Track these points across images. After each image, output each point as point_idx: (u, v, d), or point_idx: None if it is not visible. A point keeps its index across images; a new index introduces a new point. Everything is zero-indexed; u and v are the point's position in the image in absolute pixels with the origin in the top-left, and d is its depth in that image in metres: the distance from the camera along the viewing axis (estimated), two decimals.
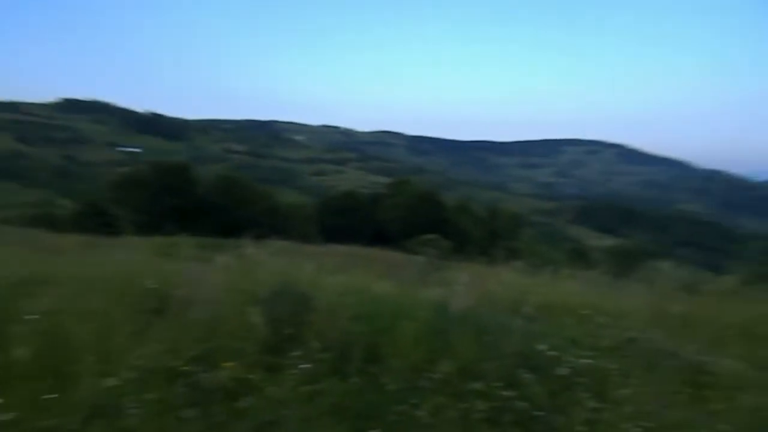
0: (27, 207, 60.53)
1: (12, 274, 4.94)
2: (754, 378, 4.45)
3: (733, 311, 6.50)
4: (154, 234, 15.41)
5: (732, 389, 4.16)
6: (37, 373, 3.04)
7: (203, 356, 3.51)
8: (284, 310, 3.75)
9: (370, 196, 73.06)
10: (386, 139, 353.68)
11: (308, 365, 3.37)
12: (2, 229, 28.55)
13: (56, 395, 2.88)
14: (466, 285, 6.50)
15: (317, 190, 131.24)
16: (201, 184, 57.10)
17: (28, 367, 3.07)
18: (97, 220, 39.04)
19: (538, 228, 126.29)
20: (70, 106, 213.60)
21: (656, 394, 3.75)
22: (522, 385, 3.57)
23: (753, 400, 3.95)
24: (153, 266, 5.32)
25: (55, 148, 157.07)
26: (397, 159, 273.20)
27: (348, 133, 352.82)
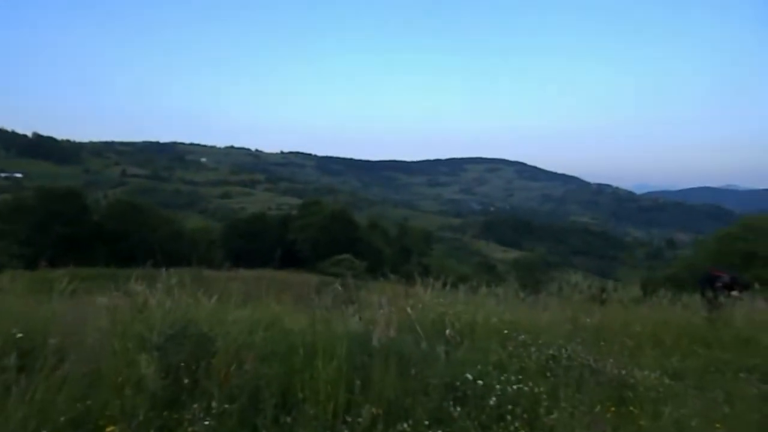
0: None
1: None
2: (670, 388, 4.48)
3: (640, 320, 6.69)
4: (40, 268, 13.85)
5: (653, 402, 4.14)
6: None
7: (80, 419, 2.93)
8: (181, 355, 3.23)
9: (280, 217, 71.58)
10: (296, 159, 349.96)
11: (210, 421, 2.89)
12: None
13: None
14: (385, 310, 6.21)
15: (224, 213, 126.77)
16: (96, 211, 53.17)
17: None
18: None
19: (446, 243, 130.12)
20: None
21: (585, 416, 3.63)
22: (451, 420, 3.30)
23: (674, 412, 3.94)
24: (24, 309, 4.54)
25: None
26: (308, 180, 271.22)
27: (257, 155, 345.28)
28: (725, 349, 5.77)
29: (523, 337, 5.22)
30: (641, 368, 4.93)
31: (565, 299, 7.85)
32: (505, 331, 5.29)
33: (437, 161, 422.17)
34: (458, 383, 3.67)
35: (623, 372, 4.58)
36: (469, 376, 3.63)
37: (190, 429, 2.84)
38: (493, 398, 3.51)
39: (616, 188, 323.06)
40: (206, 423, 2.88)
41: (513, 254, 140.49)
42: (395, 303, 6.87)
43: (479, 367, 3.96)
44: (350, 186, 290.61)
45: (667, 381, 4.60)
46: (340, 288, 5.63)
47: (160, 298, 3.96)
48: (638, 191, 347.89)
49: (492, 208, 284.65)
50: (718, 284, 8.95)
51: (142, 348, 3.33)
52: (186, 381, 3.16)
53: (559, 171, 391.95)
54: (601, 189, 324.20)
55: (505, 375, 4.00)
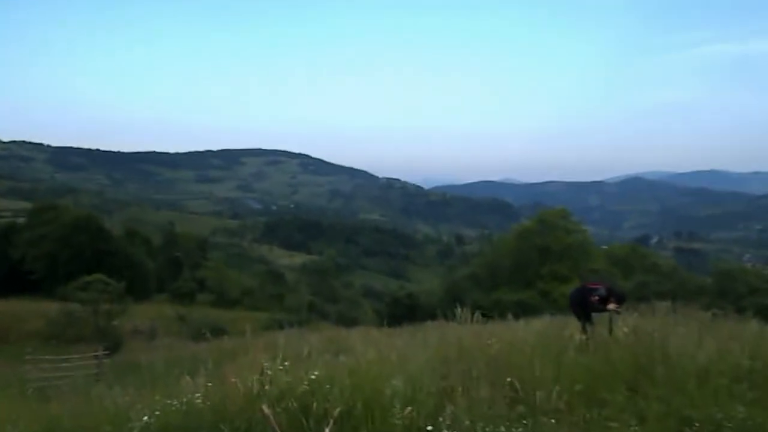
0: None
1: None
2: None
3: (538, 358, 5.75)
4: None
5: None
6: None
7: None
8: None
9: (1, 228, 60.64)
10: (22, 151, 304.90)
11: None
12: None
13: None
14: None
15: None
16: None
17: None
18: None
19: (223, 250, 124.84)
20: None
21: None
22: None
23: None
24: None
25: None
26: (38, 177, 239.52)
27: None
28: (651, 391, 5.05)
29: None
30: None
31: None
32: (429, 428, 3.77)
33: (207, 153, 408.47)
34: None
35: None
36: None
37: None
38: None
39: (405, 183, 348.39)
40: None
41: (300, 259, 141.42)
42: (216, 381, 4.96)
43: None
44: (96, 184, 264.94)
45: None
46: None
47: None
48: (426, 186, 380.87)
49: (274, 207, 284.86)
50: (594, 298, 8.66)
51: None
52: None
53: (347, 164, 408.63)
54: (390, 183, 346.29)
55: None
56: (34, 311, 35.26)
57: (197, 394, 4.79)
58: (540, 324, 9.20)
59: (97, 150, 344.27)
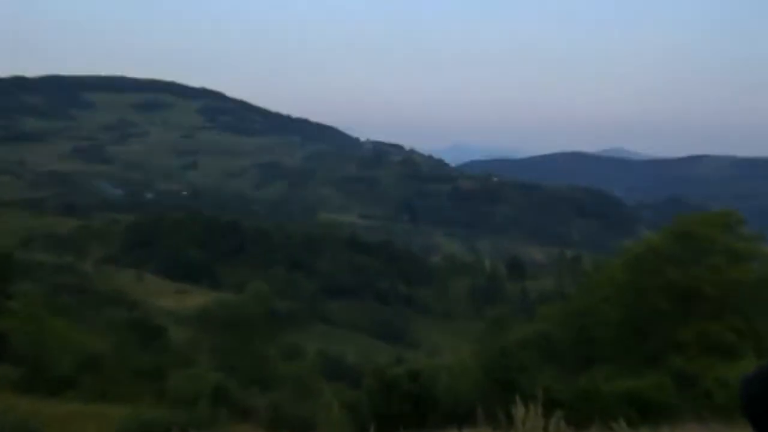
0: None
1: None
2: None
3: None
4: None
5: None
6: None
7: None
8: None
9: None
10: None
11: None
12: None
13: None
14: None
15: None
16: None
17: None
18: None
19: (45, 279, 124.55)
20: None
21: None
22: None
23: None
24: None
25: None
26: None
27: None
28: None
29: None
30: None
31: None
32: None
33: (19, 82, 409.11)
34: None
35: None
36: None
37: None
38: None
39: (410, 153, 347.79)
40: None
41: (198, 298, 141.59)
42: None
43: None
44: None
45: None
46: None
47: None
48: (453, 161, 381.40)
49: (149, 195, 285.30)
50: None
51: None
52: None
53: (296, 114, 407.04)
54: (381, 152, 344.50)
55: None
56: None
57: None
58: None
59: None
